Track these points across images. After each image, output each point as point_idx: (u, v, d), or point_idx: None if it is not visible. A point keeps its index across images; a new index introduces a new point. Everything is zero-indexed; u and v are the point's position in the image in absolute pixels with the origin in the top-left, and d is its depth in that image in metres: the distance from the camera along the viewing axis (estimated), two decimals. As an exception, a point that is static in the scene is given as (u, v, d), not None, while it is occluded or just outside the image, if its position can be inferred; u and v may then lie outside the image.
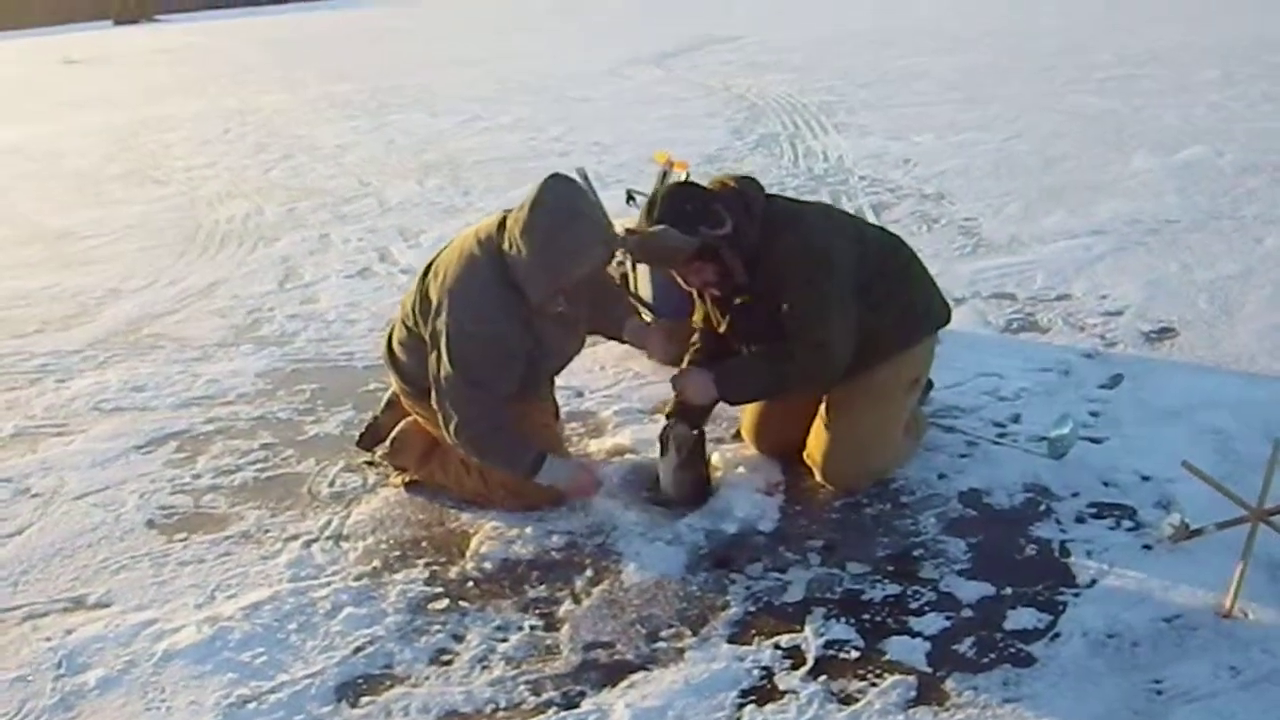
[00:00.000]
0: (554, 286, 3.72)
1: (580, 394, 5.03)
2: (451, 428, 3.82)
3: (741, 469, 4.17)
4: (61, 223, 9.60)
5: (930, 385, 4.56)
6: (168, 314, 6.70)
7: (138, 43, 35.15)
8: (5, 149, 14.51)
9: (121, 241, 8.73)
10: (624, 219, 5.90)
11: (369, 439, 4.53)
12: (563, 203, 3.66)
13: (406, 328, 4.04)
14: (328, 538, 3.96)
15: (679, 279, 3.99)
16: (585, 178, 5.49)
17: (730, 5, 28.33)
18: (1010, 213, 7.73)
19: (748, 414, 4.39)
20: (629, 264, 5.43)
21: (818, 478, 4.11)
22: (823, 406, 4.12)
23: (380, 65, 20.95)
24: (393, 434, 4.34)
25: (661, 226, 3.74)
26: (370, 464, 4.48)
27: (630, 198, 6.17)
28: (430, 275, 3.94)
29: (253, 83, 19.97)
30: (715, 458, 4.27)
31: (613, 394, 5.05)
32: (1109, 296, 5.94)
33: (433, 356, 3.82)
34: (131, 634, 3.46)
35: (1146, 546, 3.61)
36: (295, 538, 3.97)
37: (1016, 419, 4.56)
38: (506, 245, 3.72)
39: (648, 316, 5.11)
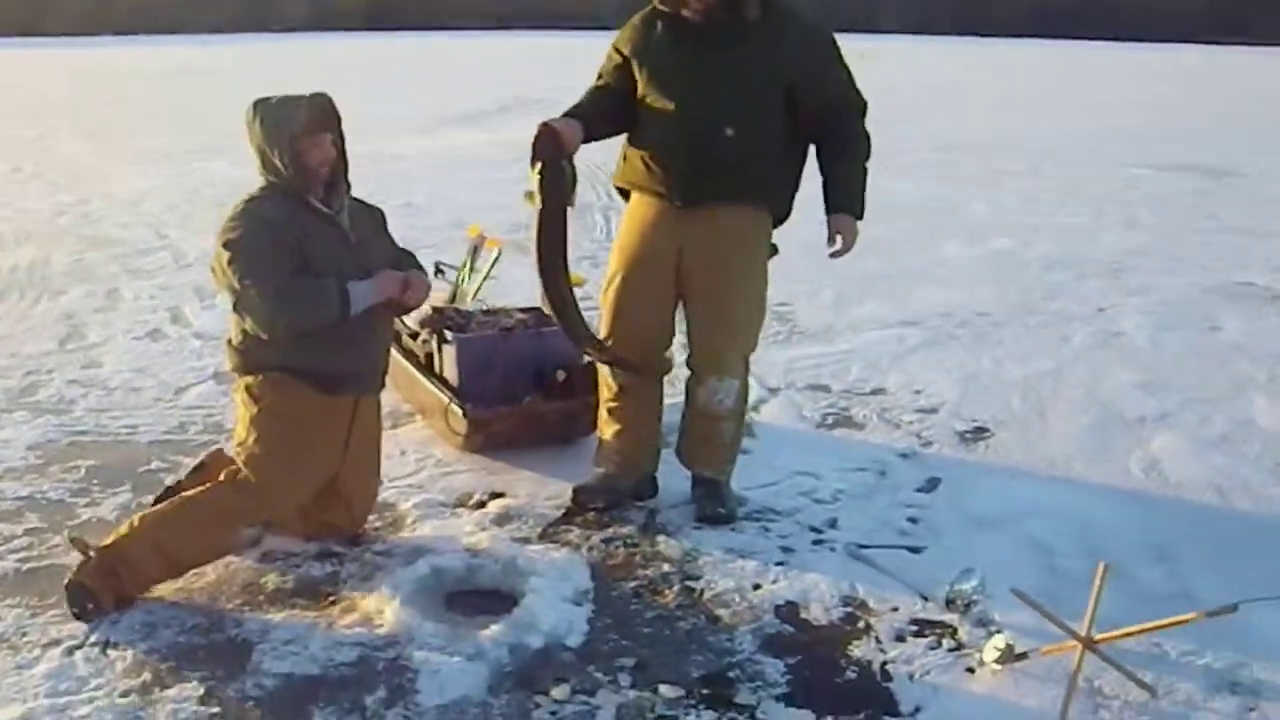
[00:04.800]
0: (287, 148, 3.87)
1: (381, 481, 4.74)
2: (253, 310, 3.85)
3: (548, 575, 3.92)
4: None
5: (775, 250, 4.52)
6: (-67, 373, 6.20)
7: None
8: None
9: (-109, 288, 8.14)
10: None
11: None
12: (259, 101, 3.94)
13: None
14: (93, 644, 3.56)
15: None
16: None
17: (548, 66, 28.27)
18: (824, 300, 7.72)
19: (609, 324, 4.44)
20: (434, 344, 5.17)
21: (701, 370, 4.36)
22: (700, 292, 4.31)
23: (192, 108, 20.31)
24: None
25: None
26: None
27: (439, 270, 5.94)
28: None
29: (53, 119, 19.17)
30: (520, 561, 4.02)
31: (414, 483, 4.74)
32: (923, 392, 5.91)
33: (221, 273, 3.90)
34: None
35: (970, 669, 3.48)
36: (57, 643, 3.57)
37: (833, 524, 4.43)
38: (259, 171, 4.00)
39: (455, 407, 4.87)
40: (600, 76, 4.41)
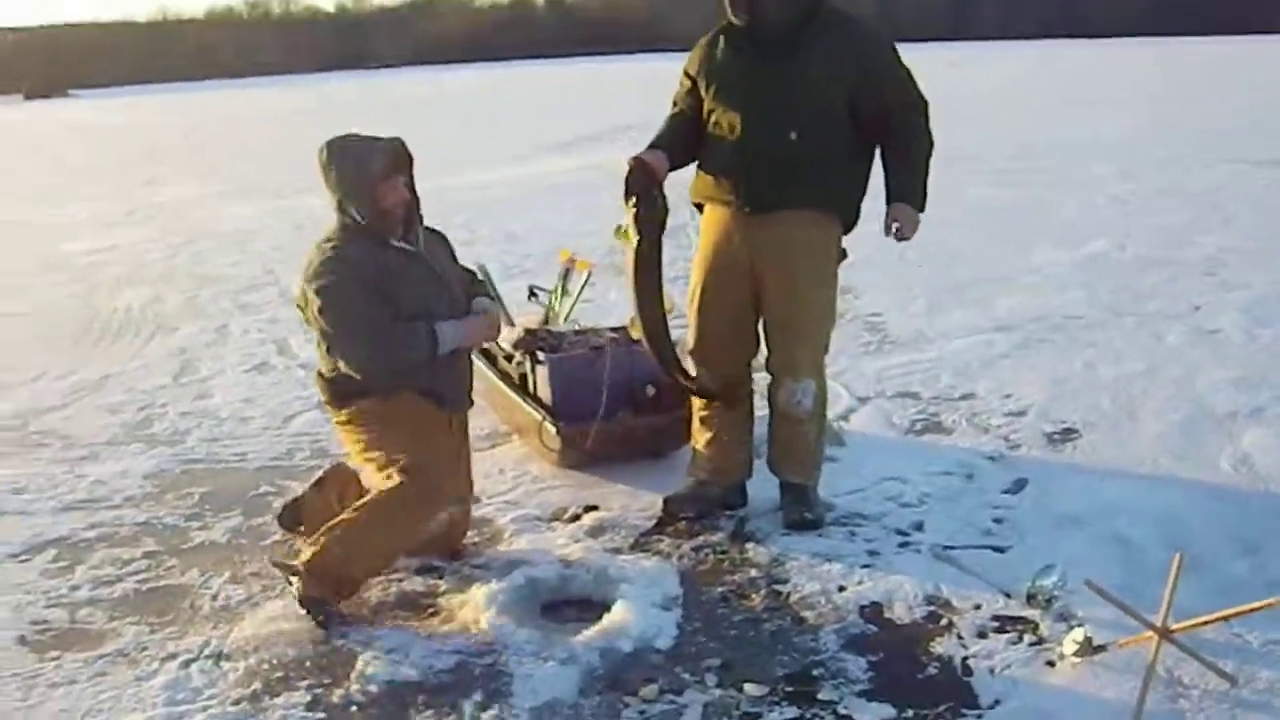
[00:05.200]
0: (366, 195, 4.04)
1: (477, 499, 4.90)
2: (347, 355, 4.04)
3: (638, 583, 4.05)
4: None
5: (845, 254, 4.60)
6: (56, 409, 6.48)
7: (46, 118, 34.77)
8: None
9: (13, 329, 8.50)
10: (526, 314, 5.85)
11: (289, 517, 4.54)
12: (334, 144, 4.12)
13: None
14: (207, 657, 3.76)
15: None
16: (486, 275, 5.44)
17: (637, 91, 28.49)
18: (916, 308, 7.78)
19: (695, 338, 4.63)
20: (528, 365, 5.34)
21: (780, 372, 4.50)
22: (775, 296, 4.45)
23: (294, 146, 20.78)
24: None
25: None
26: (255, 575, 4.31)
27: (532, 293, 6.11)
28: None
29: (163, 163, 19.76)
30: (612, 570, 4.16)
31: (510, 499, 4.92)
32: (1012, 396, 5.95)
33: (313, 320, 4.09)
34: (-8, 766, 3.26)
35: (1050, 663, 3.54)
36: (173, 657, 3.77)
37: (919, 526, 4.51)
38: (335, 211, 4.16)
39: (549, 424, 5.02)
40: (675, 104, 4.57)
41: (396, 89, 38.22)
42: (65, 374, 7.18)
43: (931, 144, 4.42)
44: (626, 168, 4.30)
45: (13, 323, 8.73)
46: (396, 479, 4.01)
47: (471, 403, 4.52)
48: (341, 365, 4.08)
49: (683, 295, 4.78)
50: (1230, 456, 5.07)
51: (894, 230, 4.37)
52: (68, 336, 8.17)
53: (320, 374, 4.32)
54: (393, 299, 4.05)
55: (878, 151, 4.44)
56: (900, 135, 4.38)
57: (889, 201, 4.40)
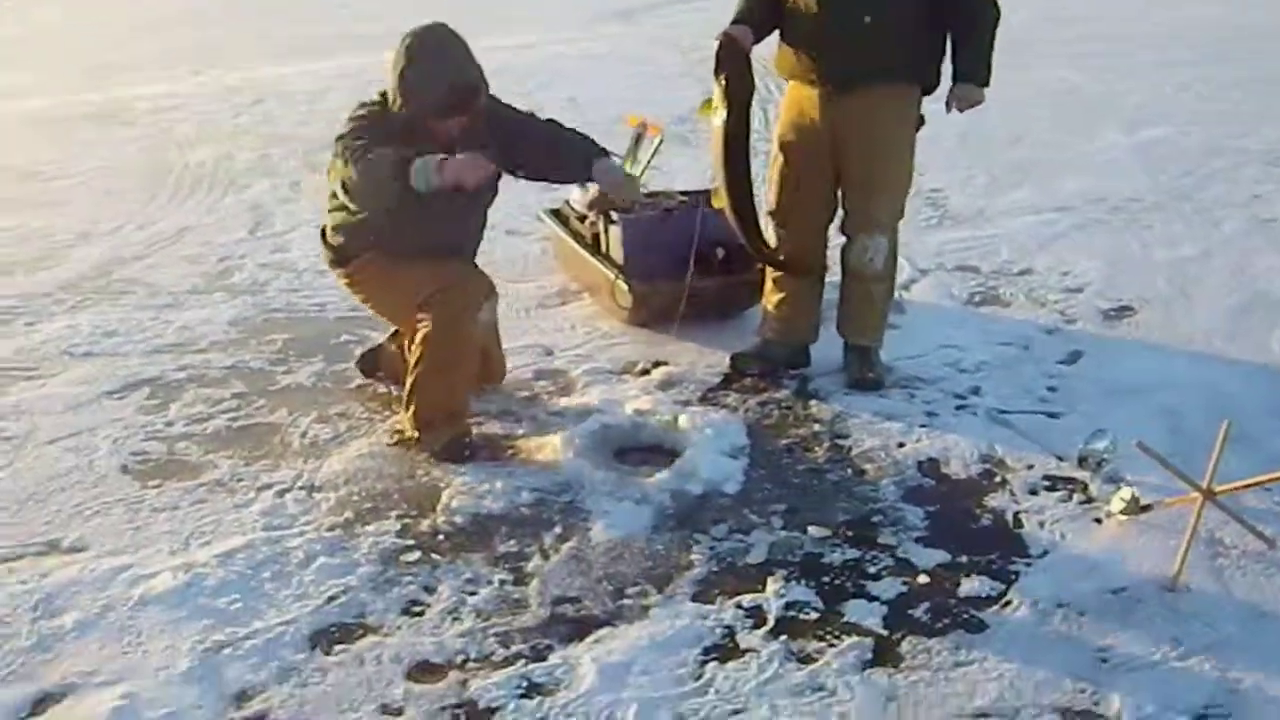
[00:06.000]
0: (416, 118, 4.06)
1: (550, 352, 5.10)
2: (347, 172, 3.99)
3: (709, 431, 4.25)
4: (26, 162, 9.51)
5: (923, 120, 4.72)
6: (137, 259, 6.69)
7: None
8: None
9: (89, 183, 8.66)
10: (588, 190, 5.98)
11: (367, 362, 4.84)
12: (412, 48, 4.07)
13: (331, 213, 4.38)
14: (300, 488, 4.01)
15: None
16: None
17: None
18: (977, 186, 7.85)
19: (775, 202, 4.80)
20: (600, 224, 5.49)
21: (855, 230, 4.66)
22: (856, 160, 4.58)
23: (355, 5, 20.74)
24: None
25: None
26: (341, 415, 4.54)
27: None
28: None
29: (222, 23, 19.76)
30: (683, 419, 4.36)
31: (582, 353, 5.11)
32: (1070, 273, 6.07)
33: (335, 164, 4.09)
34: (107, 579, 3.50)
35: (1097, 520, 3.74)
36: (268, 487, 4.03)
37: (976, 391, 4.69)
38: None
39: (621, 282, 5.19)
40: None
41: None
42: (143, 226, 7.37)
43: (998, 15, 4.48)
44: (716, 43, 4.43)
45: (88, 176, 8.92)
46: (425, 320, 4.18)
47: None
48: (349, 201, 4.10)
49: (764, 167, 4.90)
50: (1281, 338, 5.19)
51: (954, 108, 4.51)
52: (142, 191, 8.34)
53: (323, 234, 4.48)
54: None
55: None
56: (965, 12, 4.46)
57: (954, 80, 4.51)
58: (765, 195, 4.85)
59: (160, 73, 14.18)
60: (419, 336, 4.22)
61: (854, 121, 4.51)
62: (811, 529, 3.70)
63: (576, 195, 5.84)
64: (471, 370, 4.40)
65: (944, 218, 7.14)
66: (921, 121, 4.64)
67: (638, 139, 5.93)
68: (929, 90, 4.60)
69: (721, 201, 4.57)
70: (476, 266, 4.45)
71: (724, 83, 4.38)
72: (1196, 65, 12.33)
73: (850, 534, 3.68)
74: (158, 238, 7.12)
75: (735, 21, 4.50)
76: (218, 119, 11.23)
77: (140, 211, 7.75)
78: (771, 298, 4.87)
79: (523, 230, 6.84)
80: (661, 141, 5.94)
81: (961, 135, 9.09)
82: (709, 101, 4.45)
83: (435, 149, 3.92)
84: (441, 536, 3.71)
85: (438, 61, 4.05)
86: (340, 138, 4.08)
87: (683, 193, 5.57)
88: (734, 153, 4.47)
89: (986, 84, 4.50)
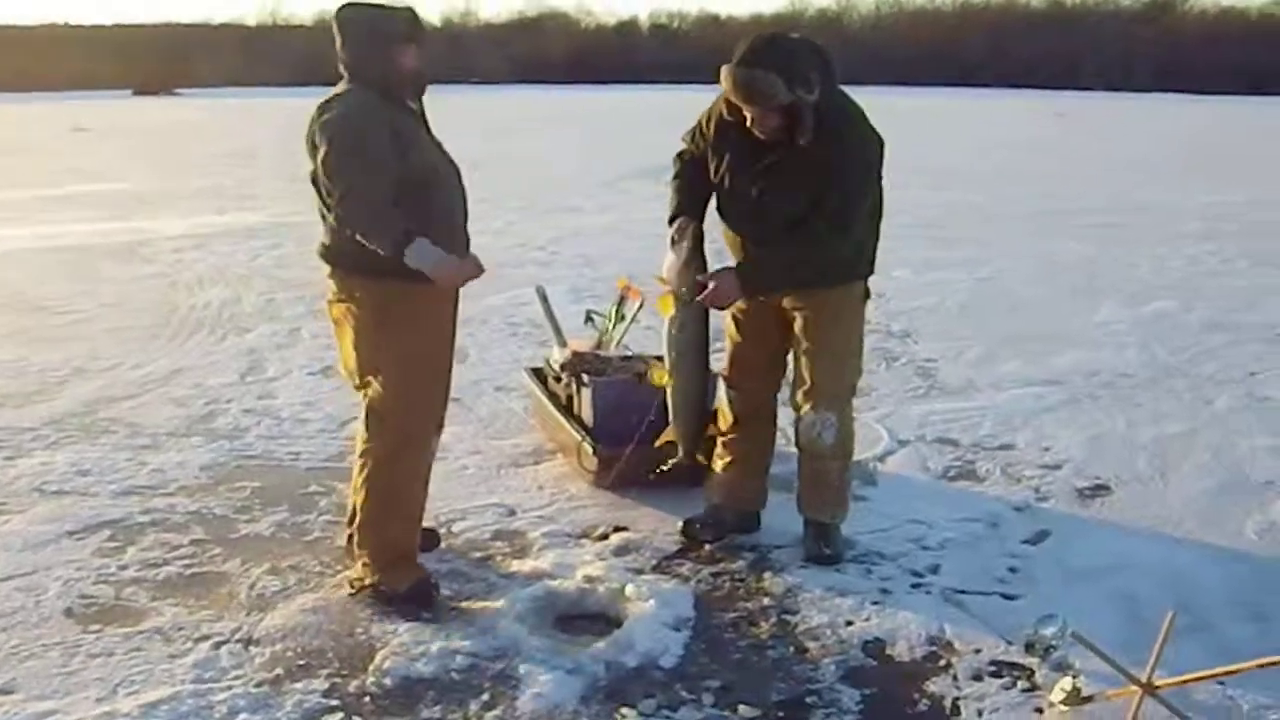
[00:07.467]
0: (381, 55, 4.08)
1: (513, 512, 5.09)
2: (336, 200, 3.98)
3: (653, 602, 4.21)
4: (39, 295, 9.69)
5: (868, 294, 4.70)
6: (127, 398, 6.76)
7: (152, 115, 35.61)
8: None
9: (95, 320, 8.82)
10: (580, 338, 6.03)
11: None
12: (349, 5, 4.15)
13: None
14: (238, 640, 3.98)
15: (749, 116, 4.24)
16: (543, 297, 5.67)
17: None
18: (970, 357, 7.85)
19: (728, 363, 4.81)
20: (574, 386, 5.52)
21: (801, 402, 4.60)
22: (799, 330, 4.57)
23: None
24: None
25: (765, 72, 4.08)
26: (293, 568, 4.52)
27: (589, 318, 6.30)
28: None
29: (256, 164, 20.21)
30: (630, 588, 4.32)
31: (545, 515, 5.09)
32: (1050, 449, 6.03)
33: (319, 156, 4.04)
34: (27, 725, 3.47)
35: (1038, 709, 3.66)
36: (206, 638, 4.00)
37: (935, 569, 4.62)
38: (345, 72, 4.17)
39: (588, 445, 5.20)
40: (693, 145, 4.65)
41: (494, 106, 38.75)
42: (139, 365, 7.48)
43: (817, 260, 4.38)
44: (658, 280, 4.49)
45: (96, 313, 9.06)
46: (366, 454, 4.22)
47: None
48: (329, 193, 4.05)
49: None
50: (1257, 524, 5.10)
51: (708, 287, 4.35)
52: (146, 330, 8.47)
53: (324, 245, 4.31)
54: (402, 154, 4.02)
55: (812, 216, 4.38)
56: (807, 233, 4.34)
57: (737, 267, 4.46)
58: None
59: (191, 210, 14.48)
60: (360, 474, 4.25)
61: (801, 296, 4.53)
62: (743, 708, 3.63)
63: (556, 354, 5.89)
64: (422, 502, 4.37)
65: (932, 388, 7.14)
66: (867, 295, 4.66)
67: (621, 300, 6.02)
68: (866, 276, 4.61)
69: (662, 380, 4.59)
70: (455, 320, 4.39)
71: (674, 283, 4.40)
72: (1202, 238, 12.41)
73: (781, 715, 3.60)
74: (149, 378, 7.20)
75: (673, 216, 4.52)
76: (233, 260, 11.46)
77: (139, 350, 7.87)
78: (719, 461, 4.87)
79: (509, 386, 6.89)
80: (641, 306, 6.02)
81: (963, 305, 9.16)
82: (663, 297, 4.45)
83: (416, 123, 4.13)
84: (367, 699, 3.65)
85: (376, 5, 4.17)
86: (331, 120, 4.04)
87: (657, 357, 5.58)
88: (686, 355, 4.50)
89: (754, 291, 4.46)
